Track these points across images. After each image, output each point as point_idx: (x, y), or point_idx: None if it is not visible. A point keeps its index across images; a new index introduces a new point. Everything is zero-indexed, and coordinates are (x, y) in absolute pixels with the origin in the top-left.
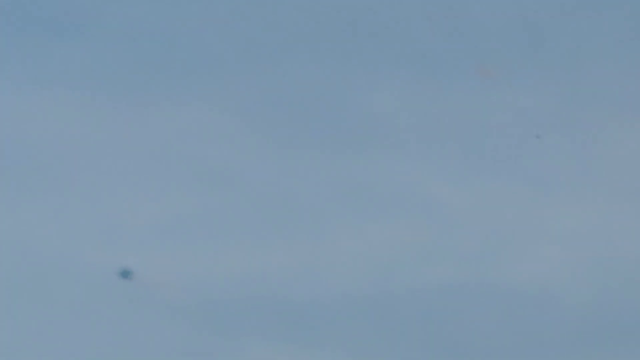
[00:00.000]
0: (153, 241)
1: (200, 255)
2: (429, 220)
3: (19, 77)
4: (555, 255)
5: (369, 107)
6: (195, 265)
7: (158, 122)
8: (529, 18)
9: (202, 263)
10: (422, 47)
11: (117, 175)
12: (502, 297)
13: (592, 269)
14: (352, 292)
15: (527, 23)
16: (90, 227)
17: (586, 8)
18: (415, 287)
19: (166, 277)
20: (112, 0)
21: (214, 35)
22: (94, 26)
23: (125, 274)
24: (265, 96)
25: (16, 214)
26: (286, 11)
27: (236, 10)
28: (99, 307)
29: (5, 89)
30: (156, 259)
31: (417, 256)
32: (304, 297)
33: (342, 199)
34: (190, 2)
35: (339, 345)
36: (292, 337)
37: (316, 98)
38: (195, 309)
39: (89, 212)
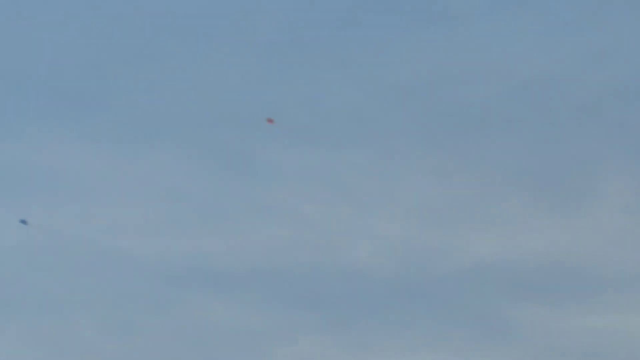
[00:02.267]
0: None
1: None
2: (301, 224)
3: None
4: (368, 247)
5: None
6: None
7: None
8: None
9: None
10: None
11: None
12: (341, 271)
13: (390, 255)
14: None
15: None
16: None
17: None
18: (293, 265)
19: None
20: None
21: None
22: None
23: (23, 222)
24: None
25: None
26: None
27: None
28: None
29: None
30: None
31: (293, 245)
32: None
33: (245, 209)
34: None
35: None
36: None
37: None
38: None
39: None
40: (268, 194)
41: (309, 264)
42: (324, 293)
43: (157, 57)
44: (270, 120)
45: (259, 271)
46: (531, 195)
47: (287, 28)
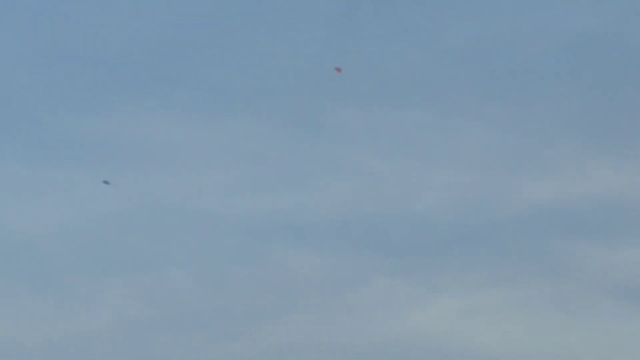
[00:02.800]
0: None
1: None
2: (370, 178)
3: None
4: (432, 197)
5: None
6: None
7: None
8: None
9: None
10: None
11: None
12: (408, 219)
13: (453, 203)
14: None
15: None
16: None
17: None
18: (364, 216)
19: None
20: None
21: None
22: None
23: (106, 182)
24: None
25: None
26: None
27: None
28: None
29: None
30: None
31: (363, 197)
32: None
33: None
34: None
35: None
36: None
37: None
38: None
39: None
40: (338, 152)
41: (378, 214)
42: (393, 240)
43: (230, 32)
44: (338, 70)
45: (333, 222)
46: (582, 143)
47: (353, 2)
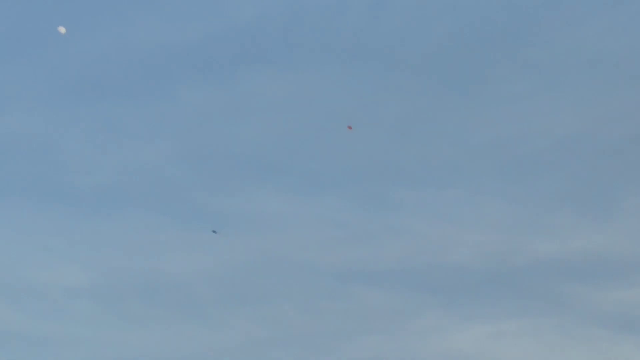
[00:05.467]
0: None
1: None
2: (419, 238)
3: None
4: (465, 251)
5: None
6: None
7: None
8: None
9: None
10: None
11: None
12: (449, 267)
13: (480, 256)
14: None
15: None
16: None
17: None
18: (417, 265)
19: None
20: None
21: None
22: None
23: (214, 231)
24: None
25: None
26: None
27: None
28: None
29: None
30: None
31: (416, 252)
32: None
33: None
34: None
35: None
36: None
37: None
38: None
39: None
40: (397, 220)
41: (427, 264)
42: (438, 282)
43: (318, 141)
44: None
45: (394, 270)
46: (575, 212)
47: (407, 115)
